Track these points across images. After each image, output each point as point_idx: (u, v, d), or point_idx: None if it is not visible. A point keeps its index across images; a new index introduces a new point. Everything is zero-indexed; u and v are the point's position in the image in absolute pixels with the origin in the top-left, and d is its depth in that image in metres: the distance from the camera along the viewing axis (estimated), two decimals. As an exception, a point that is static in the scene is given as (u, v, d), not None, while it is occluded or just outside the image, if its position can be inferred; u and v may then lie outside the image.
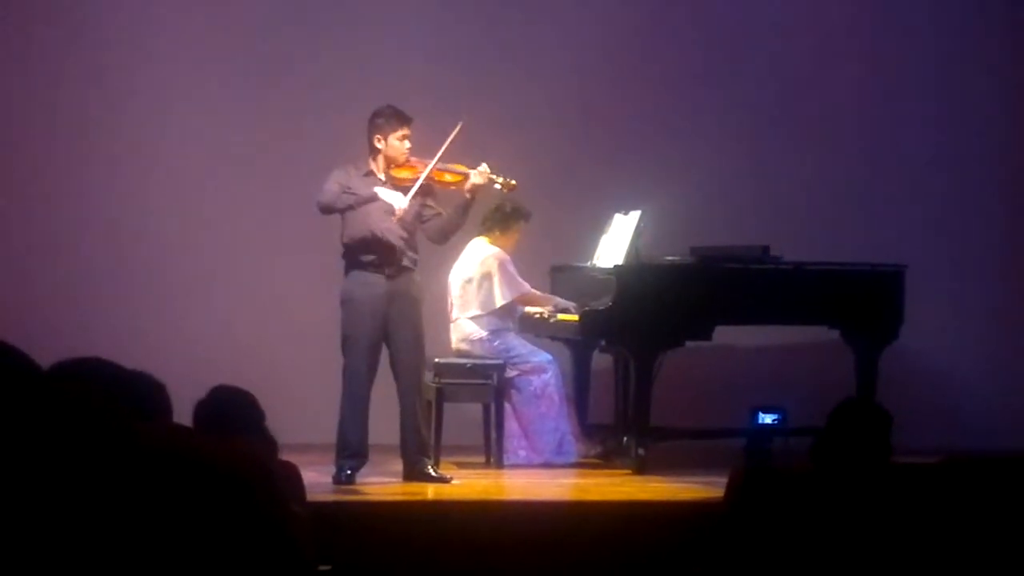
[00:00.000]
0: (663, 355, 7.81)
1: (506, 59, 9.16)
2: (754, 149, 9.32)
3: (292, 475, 4.29)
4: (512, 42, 9.22)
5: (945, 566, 3.88)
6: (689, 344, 7.89)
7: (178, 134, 9.03)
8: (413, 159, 7.24)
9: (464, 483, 7.27)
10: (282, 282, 8.94)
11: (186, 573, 1.76)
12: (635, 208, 8.05)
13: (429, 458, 7.30)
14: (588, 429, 8.32)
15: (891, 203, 9.42)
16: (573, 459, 8.02)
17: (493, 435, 7.95)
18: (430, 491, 7.06)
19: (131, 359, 2.78)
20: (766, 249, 8.07)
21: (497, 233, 8.13)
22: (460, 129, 7.13)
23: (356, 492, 6.96)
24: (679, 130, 9.30)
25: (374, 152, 7.23)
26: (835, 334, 8.19)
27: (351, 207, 7.13)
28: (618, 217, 8.22)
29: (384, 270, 7.17)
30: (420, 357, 7.32)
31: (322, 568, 4.49)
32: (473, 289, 8.06)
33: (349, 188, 7.16)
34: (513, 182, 7.50)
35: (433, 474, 7.22)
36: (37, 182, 8.97)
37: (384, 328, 7.16)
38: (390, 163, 7.23)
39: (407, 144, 7.21)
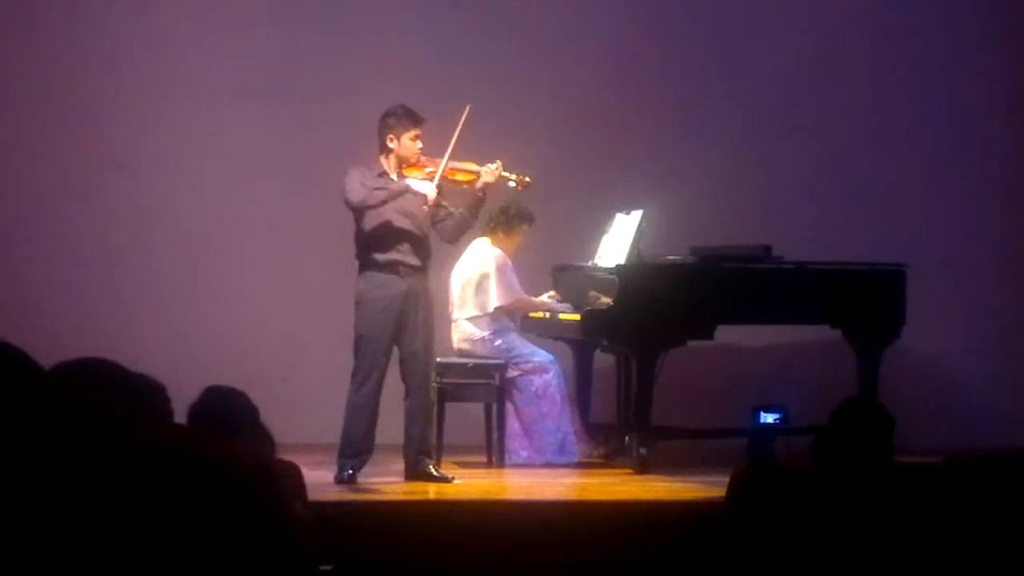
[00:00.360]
0: (665, 355, 7.80)
1: (508, 60, 9.15)
2: (755, 149, 9.32)
3: (293, 475, 4.29)
4: (515, 43, 9.22)
5: (947, 566, 3.88)
6: (691, 344, 7.89)
7: (177, 135, 9.02)
8: (424, 159, 7.25)
9: (466, 483, 7.27)
10: (282, 282, 8.94)
11: (188, 573, 1.75)
12: (637, 208, 8.05)
13: (431, 458, 7.31)
14: (590, 429, 8.32)
15: (893, 203, 9.42)
16: (575, 459, 8.02)
17: (495, 435, 7.95)
18: (432, 491, 7.06)
19: (132, 360, 2.78)
20: (768, 249, 8.07)
21: (500, 235, 8.14)
22: (468, 113, 7.13)
23: (357, 492, 6.96)
24: (681, 130, 9.30)
25: (386, 152, 7.23)
26: (837, 334, 8.18)
27: (384, 202, 7.12)
28: (620, 217, 8.21)
29: (399, 270, 7.17)
30: (431, 357, 7.34)
31: (323, 568, 4.49)
32: (472, 290, 8.06)
33: (366, 187, 7.14)
34: (528, 179, 7.51)
35: (435, 474, 7.22)
36: (36, 182, 8.97)
37: (397, 329, 7.16)
38: (402, 163, 7.23)
39: (419, 144, 7.22)
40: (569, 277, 8.51)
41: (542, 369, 8.05)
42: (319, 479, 6.69)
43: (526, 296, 8.16)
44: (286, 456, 4.11)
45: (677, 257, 8.09)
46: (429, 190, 7.11)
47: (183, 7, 9.10)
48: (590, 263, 8.30)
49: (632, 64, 9.31)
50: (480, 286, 8.05)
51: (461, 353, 8.07)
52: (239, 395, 3.95)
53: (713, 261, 8.00)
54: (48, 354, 2.48)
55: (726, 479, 4.25)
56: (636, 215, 8.02)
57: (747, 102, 9.37)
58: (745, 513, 4.03)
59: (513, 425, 8.00)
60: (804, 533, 3.91)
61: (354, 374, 7.18)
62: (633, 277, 7.78)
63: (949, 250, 9.35)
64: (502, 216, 8.09)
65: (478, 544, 6.19)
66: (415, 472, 7.21)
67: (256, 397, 3.99)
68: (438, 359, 7.73)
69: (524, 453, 7.99)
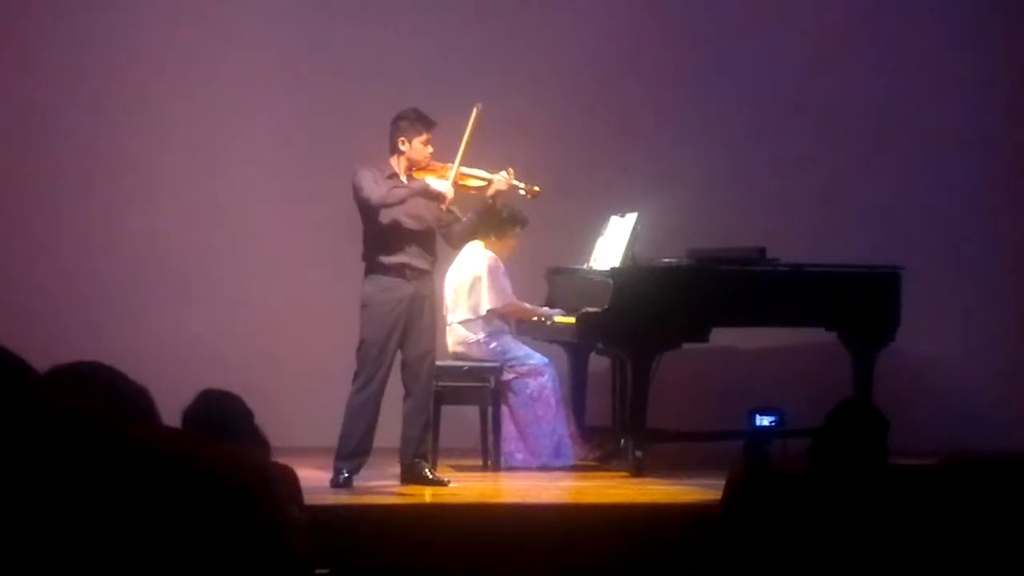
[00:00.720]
0: (660, 357, 7.80)
1: (503, 63, 9.15)
2: (751, 151, 9.32)
3: (289, 479, 4.28)
4: (509, 46, 9.22)
5: (943, 568, 3.88)
6: (686, 346, 7.89)
7: (176, 137, 9.01)
8: (434, 163, 7.26)
9: (461, 486, 7.27)
10: (277, 286, 8.93)
11: (182, 578, 1.75)
12: (631, 210, 8.05)
13: (427, 461, 7.31)
14: (585, 432, 8.32)
15: (888, 205, 9.42)
16: (570, 462, 8.02)
17: (490, 438, 7.95)
18: (427, 494, 7.06)
19: (128, 363, 2.77)
20: (763, 251, 8.07)
21: (493, 238, 8.13)
22: (477, 114, 7.14)
23: (353, 495, 6.95)
24: (675, 132, 9.30)
25: (397, 154, 7.23)
26: (832, 336, 8.19)
27: (403, 200, 7.12)
28: (614, 219, 8.22)
29: (405, 273, 7.17)
30: (433, 361, 7.35)
31: (320, 571, 4.49)
32: (465, 293, 8.07)
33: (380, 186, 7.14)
34: (537, 188, 7.52)
35: (430, 477, 7.22)
36: (29, 185, 8.95)
37: (403, 333, 7.17)
38: (412, 166, 7.24)
39: (430, 148, 7.23)
40: (563, 280, 8.51)
41: (537, 372, 8.06)
42: (315, 483, 6.69)
43: (517, 301, 8.16)
44: (282, 460, 4.11)
45: (672, 259, 8.09)
46: (447, 188, 7.13)
47: (183, 9, 9.09)
48: (585, 266, 8.30)
49: (627, 67, 9.31)
50: (472, 289, 8.06)
51: (456, 356, 8.07)
52: (234, 399, 3.95)
53: (708, 264, 8.01)
54: (43, 357, 2.47)
55: (722, 482, 4.25)
56: (631, 217, 8.02)
57: (743, 104, 9.38)
58: (741, 516, 4.03)
59: (508, 428, 8.00)
60: (800, 535, 3.91)
61: (356, 376, 7.17)
62: (628, 280, 7.78)
63: (944, 252, 9.35)
64: (494, 219, 8.09)
65: (474, 547, 6.19)
66: (411, 475, 7.21)
67: (251, 401, 3.98)
68: (433, 362, 7.74)
69: (519, 456, 7.99)
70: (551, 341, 8.40)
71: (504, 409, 7.99)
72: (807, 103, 9.44)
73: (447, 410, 7.87)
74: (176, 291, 8.92)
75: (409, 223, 7.19)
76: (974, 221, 9.49)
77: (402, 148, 7.21)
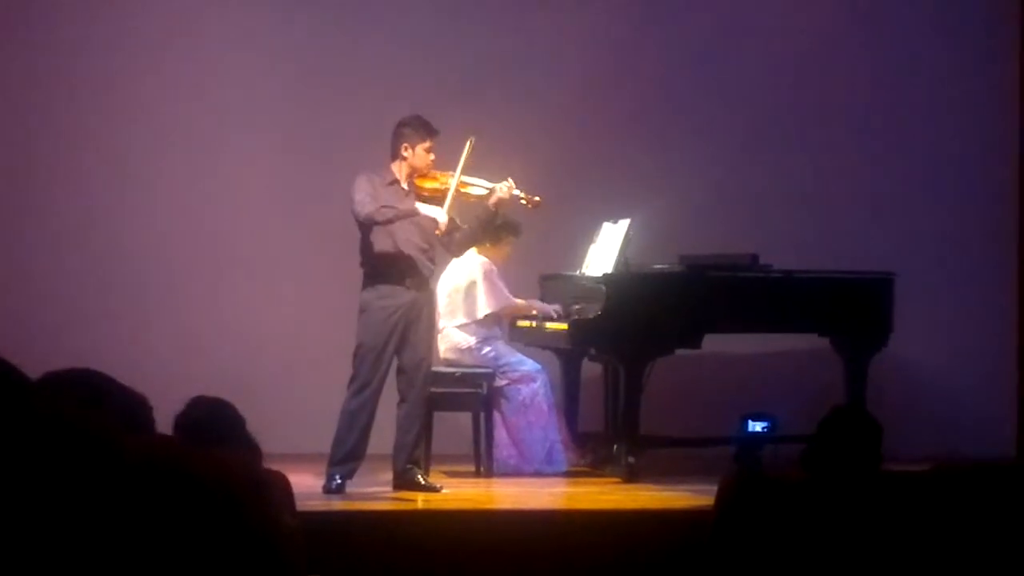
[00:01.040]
0: (652, 364, 7.80)
1: (495, 70, 9.15)
2: (743, 158, 9.33)
3: (281, 485, 4.27)
4: (501, 53, 9.21)
5: (934, 573, 3.88)
6: (678, 352, 7.89)
7: (175, 142, 9.01)
8: (435, 171, 7.27)
9: (454, 492, 7.27)
10: (272, 293, 8.93)
11: (175, 585, 1.75)
12: (624, 216, 8.05)
13: (419, 467, 7.30)
14: (578, 438, 8.31)
15: (880, 212, 9.43)
16: (563, 468, 8.01)
17: (483, 444, 7.94)
18: (420, 500, 7.05)
19: (122, 369, 2.77)
20: (755, 257, 8.07)
21: (487, 245, 8.13)
22: (470, 147, 7.16)
23: (346, 501, 6.95)
24: (668, 139, 9.31)
25: (399, 160, 7.23)
26: (824, 342, 8.20)
27: (391, 221, 7.12)
28: (607, 226, 8.22)
29: (405, 280, 7.17)
30: (429, 368, 7.34)
31: (311, 578, 4.48)
32: (460, 298, 8.07)
33: (376, 198, 7.12)
34: (537, 198, 7.52)
35: (423, 483, 7.21)
36: (26, 188, 8.94)
37: (400, 339, 7.16)
38: (414, 172, 7.24)
39: (432, 156, 7.23)
40: (556, 286, 8.51)
41: (529, 378, 8.05)
42: (307, 489, 6.68)
43: (514, 300, 8.16)
44: (273, 466, 4.10)
45: (664, 266, 8.10)
46: (439, 215, 7.12)
47: (184, 12, 9.08)
48: (577, 272, 8.30)
49: (619, 74, 9.32)
50: (468, 293, 8.06)
51: (448, 363, 8.06)
52: (225, 405, 3.94)
53: (700, 270, 8.01)
54: (36, 364, 2.47)
55: (714, 488, 4.25)
56: (623, 224, 8.03)
57: (736, 110, 9.38)
58: (733, 522, 4.04)
59: (501, 434, 8.00)
60: (792, 541, 3.91)
61: (351, 381, 7.17)
62: (620, 286, 7.79)
63: (937, 259, 9.36)
64: (490, 227, 8.09)
65: (466, 553, 6.19)
66: (403, 481, 7.21)
67: (243, 406, 3.98)
68: (426, 368, 7.74)
69: (512, 462, 7.98)
70: (544, 347, 8.40)
71: (497, 415, 7.99)
72: (799, 110, 9.45)
73: (440, 416, 7.87)
74: (168, 297, 8.92)
75: (409, 231, 7.18)
76: (967, 228, 9.50)
77: (405, 154, 7.21)
